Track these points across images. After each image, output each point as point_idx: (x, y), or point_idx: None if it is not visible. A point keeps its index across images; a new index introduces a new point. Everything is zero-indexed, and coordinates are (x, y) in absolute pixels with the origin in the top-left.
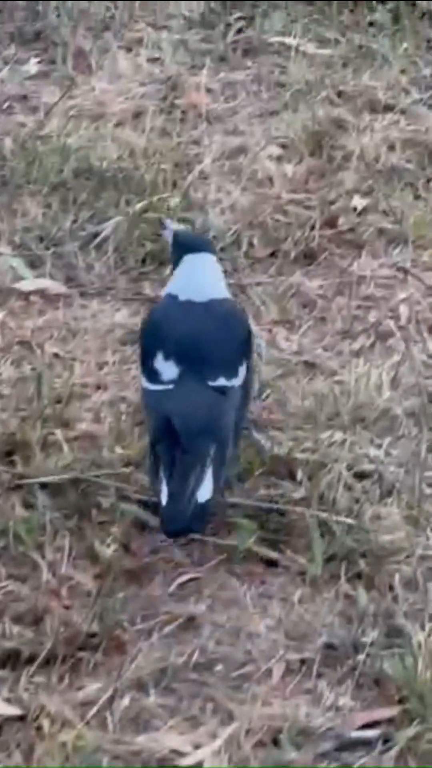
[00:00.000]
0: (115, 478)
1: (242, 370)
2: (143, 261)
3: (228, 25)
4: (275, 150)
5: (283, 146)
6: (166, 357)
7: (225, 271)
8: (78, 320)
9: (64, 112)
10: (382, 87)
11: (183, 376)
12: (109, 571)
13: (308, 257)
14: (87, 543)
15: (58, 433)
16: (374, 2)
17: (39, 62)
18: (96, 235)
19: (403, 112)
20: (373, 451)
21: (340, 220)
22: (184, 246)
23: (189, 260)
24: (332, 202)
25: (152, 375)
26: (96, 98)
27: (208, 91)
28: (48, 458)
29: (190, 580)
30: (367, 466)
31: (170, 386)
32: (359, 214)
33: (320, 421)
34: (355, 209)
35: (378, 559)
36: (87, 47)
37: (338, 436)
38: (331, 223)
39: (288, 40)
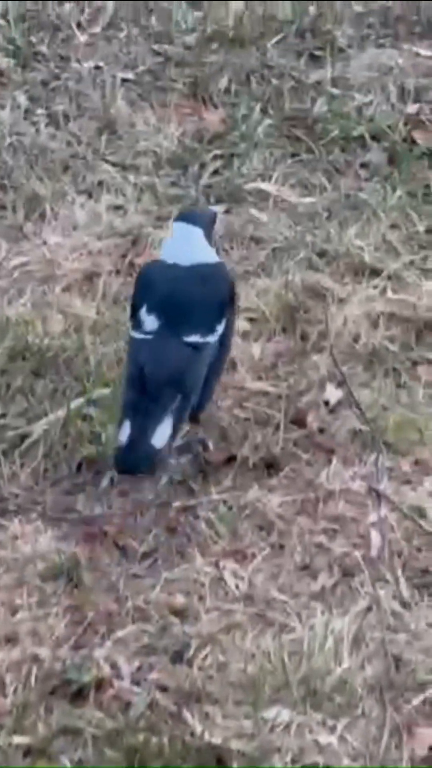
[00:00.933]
0: None
1: (220, 327)
2: (78, 468)
3: (203, 166)
4: (242, 324)
5: (252, 319)
6: (149, 311)
7: None
8: None
9: (8, 271)
10: (369, 246)
11: (161, 329)
12: None
13: (270, 467)
14: None
15: None
16: (369, 140)
17: None
18: (25, 436)
19: (390, 277)
20: (324, 737)
21: (310, 417)
22: (178, 216)
23: (177, 228)
24: (302, 393)
25: (137, 324)
26: (46, 255)
27: None
28: None
29: None
30: (316, 758)
31: (149, 337)
32: (332, 410)
33: (263, 695)
34: (327, 403)
35: None
36: (42, 192)
37: (284, 715)
38: (298, 421)
39: (267, 186)
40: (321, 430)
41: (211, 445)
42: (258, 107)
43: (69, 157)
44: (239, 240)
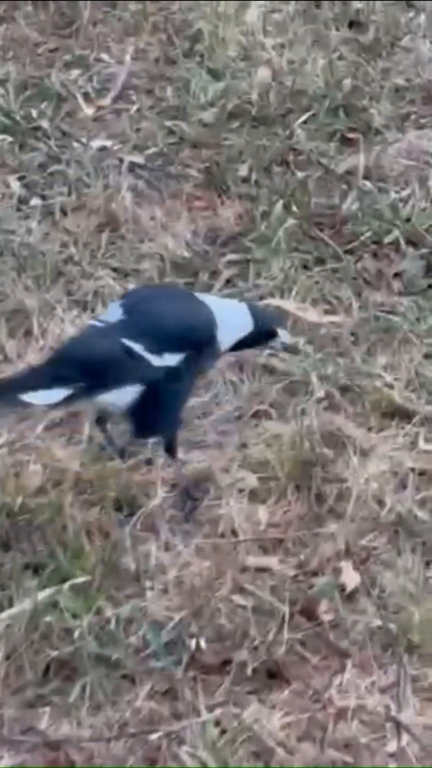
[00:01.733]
0: None
1: (170, 358)
2: (45, 672)
3: (214, 273)
4: (249, 480)
5: (261, 477)
6: (119, 305)
7: None
8: None
9: None
10: (400, 381)
11: (112, 325)
12: None
13: (272, 676)
14: None
15: None
16: (405, 245)
17: None
18: None
19: (423, 423)
20: None
21: (321, 608)
22: None
23: None
24: (315, 573)
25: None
26: None
27: None
28: None
29: None
30: None
31: (97, 323)
32: (348, 596)
33: None
34: (343, 589)
35: None
36: (29, 304)
37: None
38: (308, 612)
39: (286, 303)
40: (334, 625)
41: (203, 644)
42: (280, 203)
43: (62, 262)
44: (250, 369)
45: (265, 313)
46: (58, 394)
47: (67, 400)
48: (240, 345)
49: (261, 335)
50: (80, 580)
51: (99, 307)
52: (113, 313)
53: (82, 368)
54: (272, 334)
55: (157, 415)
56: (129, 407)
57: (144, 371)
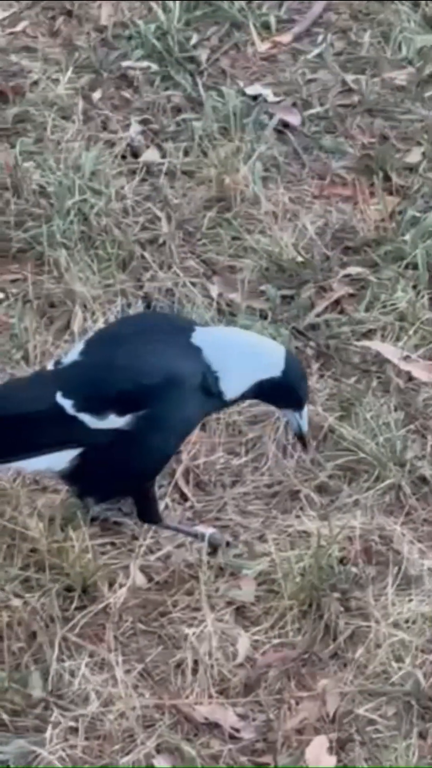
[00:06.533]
0: None
1: (114, 418)
2: None
3: (323, 290)
4: (246, 590)
5: (261, 589)
6: (83, 345)
7: None
8: None
9: None
10: None
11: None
12: None
13: None
14: None
15: None
16: None
17: None
18: None
19: None
20: None
21: None
22: None
23: None
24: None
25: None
26: None
27: None
28: None
29: None
30: None
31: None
32: None
33: None
34: None
35: None
36: (79, 291)
37: None
38: None
39: (386, 348)
40: None
41: None
42: None
43: (143, 243)
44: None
45: (303, 373)
46: None
47: None
48: (259, 394)
49: (284, 393)
50: None
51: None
52: (73, 352)
53: None
54: (298, 402)
55: (107, 477)
56: (65, 473)
57: (77, 434)
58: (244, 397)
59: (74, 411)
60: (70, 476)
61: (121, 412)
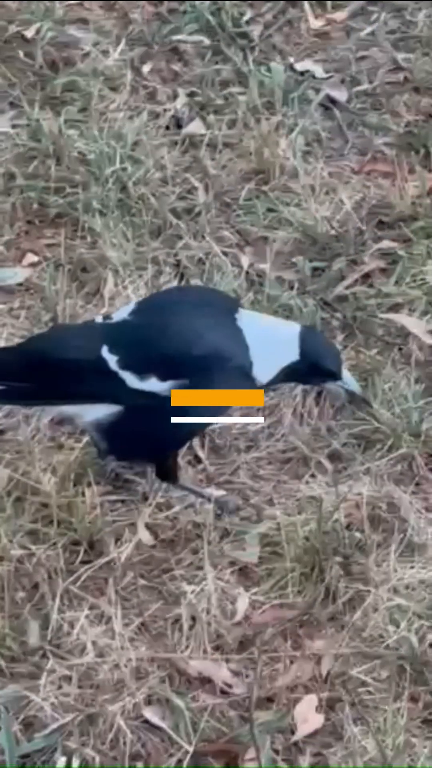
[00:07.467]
0: None
1: (156, 384)
2: None
3: (354, 263)
4: (249, 552)
5: (265, 550)
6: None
7: None
8: None
9: None
10: None
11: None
12: None
13: None
14: None
15: None
16: None
17: None
18: None
19: None
20: None
21: (247, 756)
22: None
23: None
24: (270, 699)
25: None
26: None
27: None
28: None
29: None
30: None
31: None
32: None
33: None
34: (292, 732)
35: None
36: (112, 257)
37: None
38: (225, 756)
39: (411, 321)
40: None
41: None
42: None
43: (178, 212)
44: (326, 402)
45: (323, 347)
46: None
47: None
48: (290, 378)
49: (311, 371)
50: None
51: (194, 279)
52: (123, 312)
53: (39, 369)
54: (329, 374)
55: (137, 439)
56: (98, 425)
57: (116, 391)
58: (276, 381)
59: (117, 367)
60: (103, 431)
61: (162, 377)
